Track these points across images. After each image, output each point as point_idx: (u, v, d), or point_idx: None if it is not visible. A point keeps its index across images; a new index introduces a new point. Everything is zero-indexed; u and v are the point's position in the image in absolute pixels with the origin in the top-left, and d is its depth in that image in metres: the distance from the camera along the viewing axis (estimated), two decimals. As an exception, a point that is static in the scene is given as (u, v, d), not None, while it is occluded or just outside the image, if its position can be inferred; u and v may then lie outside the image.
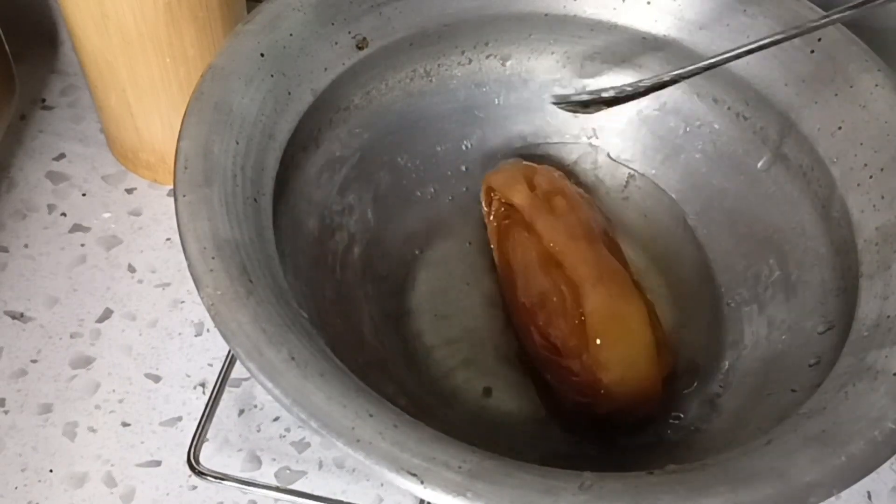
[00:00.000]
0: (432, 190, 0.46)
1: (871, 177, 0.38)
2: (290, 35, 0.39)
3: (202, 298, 0.31)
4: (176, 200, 0.33)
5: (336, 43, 0.40)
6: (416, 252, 0.45)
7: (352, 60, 0.41)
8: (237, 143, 0.35)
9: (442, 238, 0.46)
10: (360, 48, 0.41)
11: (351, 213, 0.43)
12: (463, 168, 0.47)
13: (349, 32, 0.41)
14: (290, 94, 0.38)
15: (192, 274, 0.31)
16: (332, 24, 0.40)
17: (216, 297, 0.30)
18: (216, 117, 0.35)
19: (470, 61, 0.46)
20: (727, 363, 0.42)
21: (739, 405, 0.39)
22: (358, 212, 0.43)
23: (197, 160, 0.34)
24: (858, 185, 0.38)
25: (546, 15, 0.44)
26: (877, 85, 0.39)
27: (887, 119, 0.38)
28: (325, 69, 0.40)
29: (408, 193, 0.45)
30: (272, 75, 0.38)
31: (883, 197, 0.37)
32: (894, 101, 0.39)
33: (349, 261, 0.42)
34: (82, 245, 0.49)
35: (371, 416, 0.29)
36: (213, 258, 0.31)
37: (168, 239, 0.50)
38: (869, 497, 0.41)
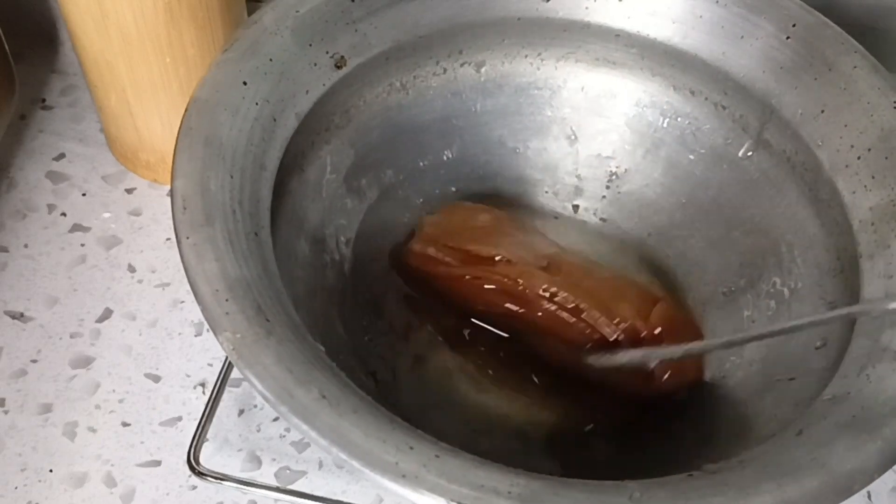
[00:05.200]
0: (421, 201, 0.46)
1: (858, 158, 0.38)
2: (270, 60, 0.38)
3: (221, 343, 0.29)
4: (179, 243, 0.31)
5: (315, 64, 0.39)
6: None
7: (331, 80, 0.40)
8: (232, 178, 0.34)
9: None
10: (338, 67, 0.40)
11: (343, 235, 0.42)
12: (452, 189, 0.47)
13: (327, 52, 0.40)
14: (275, 120, 0.37)
15: (206, 318, 0.30)
16: (310, 45, 0.39)
17: (237, 341, 0.29)
18: (208, 152, 0.34)
19: (445, 70, 0.45)
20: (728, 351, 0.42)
21: (750, 392, 0.39)
22: (350, 234, 0.42)
23: (195, 199, 0.33)
24: (847, 166, 0.39)
25: (519, 19, 0.44)
26: (855, 66, 0.40)
27: (869, 100, 0.39)
28: (307, 91, 0.39)
29: (398, 212, 0.44)
30: (257, 103, 0.37)
31: (873, 177, 0.38)
32: (874, 81, 0.39)
33: (347, 288, 0.41)
34: (82, 245, 0.49)
35: (412, 448, 0.28)
36: (226, 300, 0.30)
37: (168, 239, 0.50)
38: (869, 497, 0.42)
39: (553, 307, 0.40)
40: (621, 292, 0.41)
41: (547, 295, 0.40)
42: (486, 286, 0.41)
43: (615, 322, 0.39)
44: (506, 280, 0.41)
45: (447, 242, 0.42)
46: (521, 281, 0.40)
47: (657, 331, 0.40)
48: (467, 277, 0.41)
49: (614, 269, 0.45)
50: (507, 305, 0.41)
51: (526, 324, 0.41)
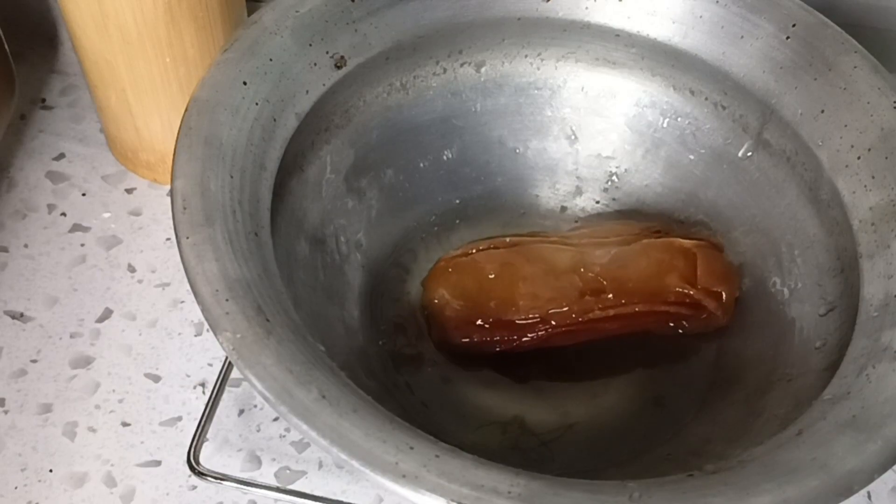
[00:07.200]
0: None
1: (858, 158, 0.38)
2: (270, 60, 0.38)
3: (221, 343, 0.29)
4: (179, 243, 0.31)
5: (315, 64, 0.39)
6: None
7: (331, 80, 0.40)
8: (232, 178, 0.34)
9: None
10: (338, 67, 0.40)
11: (343, 235, 0.42)
12: (457, 201, 0.47)
13: (327, 52, 0.40)
14: (275, 120, 0.37)
15: (206, 318, 0.30)
16: (310, 45, 0.39)
17: (237, 342, 0.29)
18: (208, 152, 0.34)
19: (445, 70, 0.45)
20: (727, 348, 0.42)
21: (749, 392, 0.39)
22: (350, 234, 0.42)
23: (195, 199, 0.33)
24: (847, 166, 0.39)
25: (518, 19, 0.44)
26: (855, 66, 0.40)
27: (869, 99, 0.39)
28: (307, 91, 0.39)
29: (399, 212, 0.44)
30: (257, 103, 0.37)
31: (873, 177, 0.38)
32: (874, 81, 0.39)
33: (349, 285, 0.41)
34: (82, 245, 0.49)
35: (412, 448, 0.28)
36: (226, 300, 0.30)
37: (168, 239, 0.50)
38: (869, 497, 0.42)
39: (616, 325, 0.42)
40: (658, 264, 0.43)
41: (603, 315, 0.41)
42: (550, 337, 0.41)
43: (671, 301, 0.42)
44: (562, 328, 0.41)
45: (484, 321, 0.41)
46: (574, 316, 0.41)
47: (706, 285, 0.42)
48: (530, 338, 0.41)
49: (628, 239, 0.44)
50: (576, 342, 0.42)
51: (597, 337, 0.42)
